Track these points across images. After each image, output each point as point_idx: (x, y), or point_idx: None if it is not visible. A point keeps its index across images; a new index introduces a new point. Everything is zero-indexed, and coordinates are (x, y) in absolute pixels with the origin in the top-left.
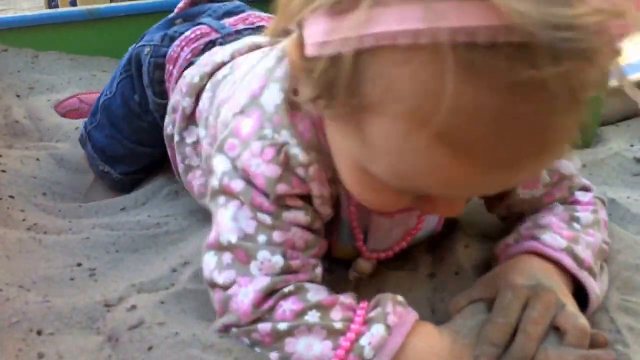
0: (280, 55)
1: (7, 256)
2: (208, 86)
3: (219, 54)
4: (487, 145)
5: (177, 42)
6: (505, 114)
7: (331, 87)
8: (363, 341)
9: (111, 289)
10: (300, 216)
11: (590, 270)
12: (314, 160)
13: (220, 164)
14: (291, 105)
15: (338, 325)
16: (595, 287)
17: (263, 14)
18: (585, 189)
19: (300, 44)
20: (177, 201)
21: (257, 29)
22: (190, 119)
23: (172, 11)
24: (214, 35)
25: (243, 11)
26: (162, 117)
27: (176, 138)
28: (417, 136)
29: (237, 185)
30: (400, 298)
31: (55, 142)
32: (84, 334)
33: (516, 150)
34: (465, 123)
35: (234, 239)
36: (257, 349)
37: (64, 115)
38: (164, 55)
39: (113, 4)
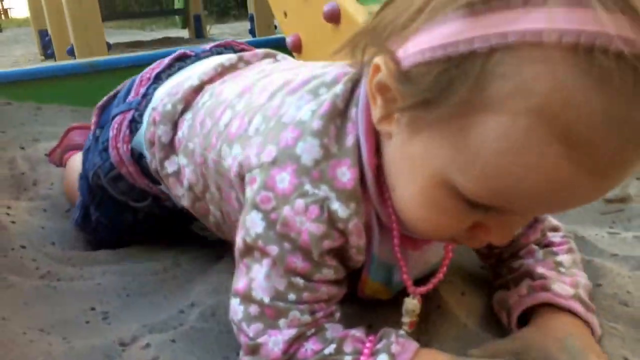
0: (315, 109)
1: (26, 303)
2: (187, 115)
3: (185, 79)
4: (602, 149)
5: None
6: (627, 122)
7: (447, 89)
8: None
9: (124, 330)
10: (330, 274)
11: (593, 312)
12: (353, 214)
13: (253, 223)
14: (332, 158)
15: (349, 357)
16: (597, 326)
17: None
18: (555, 229)
19: (392, 61)
20: (183, 247)
21: (227, 47)
22: (169, 148)
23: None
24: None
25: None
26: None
27: (160, 170)
28: (538, 133)
29: (272, 250)
30: (401, 332)
31: (60, 193)
32: None
33: (624, 157)
34: (588, 125)
35: (266, 299)
36: None
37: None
38: (112, 169)
39: (114, 56)
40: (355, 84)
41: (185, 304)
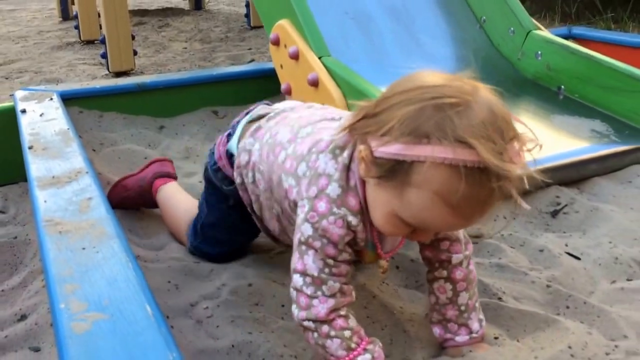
0: (335, 166)
1: None
2: (256, 146)
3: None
4: (466, 210)
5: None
6: (478, 199)
7: (393, 172)
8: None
9: (189, 297)
10: (347, 257)
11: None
12: (359, 222)
13: (305, 229)
14: (346, 192)
15: (353, 345)
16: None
17: None
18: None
19: (370, 150)
20: None
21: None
22: (250, 166)
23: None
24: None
25: None
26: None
27: (239, 181)
28: (436, 201)
29: (317, 244)
30: (380, 344)
31: None
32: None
33: (477, 213)
34: (459, 200)
35: (315, 273)
36: (311, 335)
37: (118, 205)
38: (215, 163)
39: (155, 79)
40: (353, 149)
41: (219, 284)
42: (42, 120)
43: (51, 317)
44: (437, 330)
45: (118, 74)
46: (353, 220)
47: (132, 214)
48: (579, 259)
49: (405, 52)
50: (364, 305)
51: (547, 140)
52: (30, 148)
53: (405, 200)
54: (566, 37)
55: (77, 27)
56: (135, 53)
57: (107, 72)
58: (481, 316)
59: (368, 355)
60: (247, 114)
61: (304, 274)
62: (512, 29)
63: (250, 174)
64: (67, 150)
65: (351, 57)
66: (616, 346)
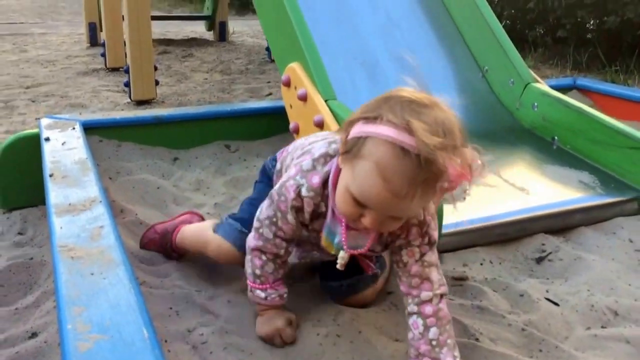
0: (322, 151)
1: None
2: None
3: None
4: (397, 186)
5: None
6: (410, 180)
7: (352, 148)
8: (256, 292)
9: (188, 323)
10: (292, 220)
11: None
12: (310, 197)
13: (276, 185)
14: (314, 171)
15: (258, 281)
16: None
17: None
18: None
19: (346, 135)
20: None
21: None
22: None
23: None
24: None
25: None
26: None
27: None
28: (375, 174)
29: (275, 197)
30: (284, 294)
31: (139, 221)
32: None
33: (407, 193)
34: (393, 174)
35: (263, 217)
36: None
37: (145, 245)
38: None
39: (172, 112)
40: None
41: (216, 312)
42: (64, 148)
43: (59, 336)
44: None
45: (139, 103)
46: (305, 192)
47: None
48: (557, 304)
49: None
50: (350, 340)
51: (538, 189)
52: (51, 176)
53: (355, 172)
54: (571, 88)
55: (103, 55)
56: (157, 83)
57: (129, 100)
58: (456, 353)
59: (262, 294)
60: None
61: (260, 214)
62: (512, 80)
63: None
64: (84, 179)
65: (357, 100)
66: None
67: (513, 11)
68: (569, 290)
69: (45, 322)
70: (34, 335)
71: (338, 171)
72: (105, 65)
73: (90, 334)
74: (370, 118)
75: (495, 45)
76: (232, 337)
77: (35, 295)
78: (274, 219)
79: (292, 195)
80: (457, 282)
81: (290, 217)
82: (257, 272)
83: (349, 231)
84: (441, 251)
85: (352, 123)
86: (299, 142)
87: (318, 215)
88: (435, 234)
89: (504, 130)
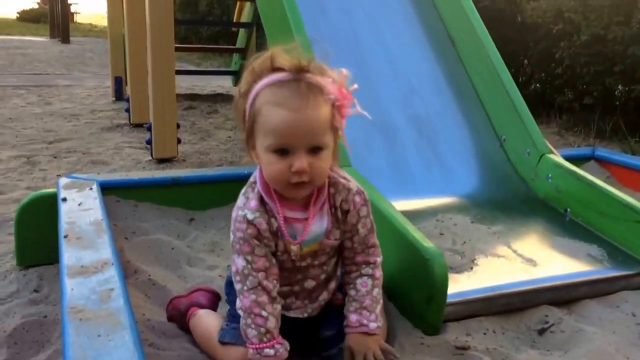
0: (245, 188)
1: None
2: None
3: None
4: (292, 103)
5: None
6: (297, 94)
7: (249, 120)
8: (263, 351)
9: None
10: (262, 252)
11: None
12: (257, 217)
13: (231, 237)
14: (248, 200)
15: (264, 339)
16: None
17: None
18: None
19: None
20: None
21: None
22: None
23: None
24: None
25: None
26: None
27: None
28: (273, 108)
29: (236, 245)
30: (287, 346)
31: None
32: None
33: (301, 105)
34: (285, 99)
35: (240, 269)
36: (241, 321)
37: (170, 317)
38: None
39: (189, 174)
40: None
41: None
42: (80, 209)
43: None
44: (353, 317)
45: (161, 161)
46: (250, 215)
47: (158, 307)
48: None
49: (425, 164)
50: None
51: (546, 260)
52: (65, 237)
53: (260, 129)
54: (589, 158)
55: (127, 110)
56: (179, 141)
57: (150, 158)
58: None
59: (272, 351)
60: None
61: (235, 273)
62: (528, 150)
63: None
64: (98, 240)
65: (374, 166)
66: None
67: (543, 75)
68: None
69: None
70: None
71: (263, 180)
72: (129, 121)
73: None
74: (246, 91)
75: (513, 114)
76: None
77: (47, 354)
78: (248, 265)
79: (243, 226)
80: (459, 351)
81: (257, 250)
82: (263, 330)
83: (291, 224)
84: (445, 320)
85: (241, 118)
86: None
87: (276, 233)
88: (366, 193)
89: (519, 200)
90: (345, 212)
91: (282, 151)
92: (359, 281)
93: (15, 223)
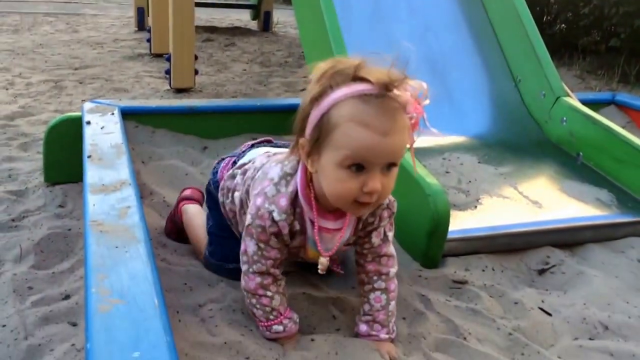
0: (280, 173)
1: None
2: (238, 174)
3: (244, 161)
4: (377, 126)
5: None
6: (384, 114)
7: (320, 131)
8: (272, 327)
9: (199, 298)
10: (276, 245)
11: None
12: (284, 219)
13: (247, 218)
14: (279, 194)
15: (271, 317)
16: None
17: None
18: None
19: (304, 138)
20: None
21: (257, 145)
22: (231, 190)
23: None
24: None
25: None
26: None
27: (221, 200)
28: (356, 127)
29: (253, 230)
30: (296, 318)
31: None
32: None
33: (388, 127)
34: (368, 119)
35: (251, 253)
36: (247, 301)
37: (169, 236)
38: (217, 181)
39: (206, 103)
40: (297, 162)
41: (225, 291)
42: (102, 132)
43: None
44: (363, 328)
45: (178, 91)
46: (277, 215)
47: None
48: (550, 314)
49: (436, 103)
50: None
51: (552, 203)
52: (89, 157)
53: (335, 144)
54: (609, 103)
55: (149, 40)
56: (196, 72)
57: (169, 87)
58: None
59: (281, 327)
60: (251, 146)
61: (244, 253)
62: (543, 92)
63: (230, 196)
64: (117, 162)
65: None
66: None
67: (569, 15)
68: (565, 302)
69: (77, 286)
70: (67, 297)
71: (305, 183)
72: (150, 51)
73: (110, 298)
74: (318, 97)
75: (531, 55)
76: (237, 315)
77: (70, 262)
78: (259, 252)
79: (268, 223)
80: (456, 285)
81: (273, 242)
82: (268, 309)
83: (321, 234)
84: (444, 255)
85: (302, 121)
86: (247, 165)
87: (294, 234)
88: (395, 205)
89: (531, 143)
90: (369, 223)
91: (357, 166)
92: (372, 296)
93: (43, 143)
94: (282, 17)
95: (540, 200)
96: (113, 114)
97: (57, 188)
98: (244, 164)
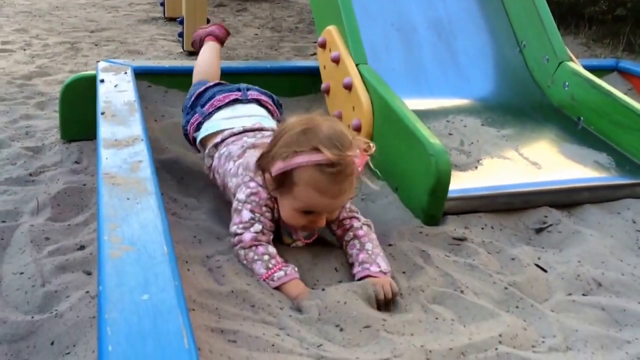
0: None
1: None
2: (220, 150)
3: (227, 126)
4: (330, 193)
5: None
6: (336, 183)
7: (283, 182)
8: (274, 276)
9: (207, 250)
10: (269, 216)
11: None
12: (272, 207)
13: (242, 195)
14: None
15: (271, 265)
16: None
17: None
18: (357, 219)
19: (270, 175)
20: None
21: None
22: (209, 157)
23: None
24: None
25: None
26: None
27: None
28: (310, 190)
29: (248, 205)
30: (294, 267)
31: (178, 158)
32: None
33: (338, 193)
34: (323, 187)
35: (246, 219)
36: (242, 259)
37: (192, 42)
38: (186, 133)
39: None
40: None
41: (225, 248)
42: (116, 90)
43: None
44: (357, 270)
45: (191, 53)
46: (269, 202)
47: (178, 183)
48: (545, 271)
49: (441, 67)
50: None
51: (551, 165)
52: (102, 114)
53: (296, 196)
54: (612, 69)
55: (162, 4)
56: None
57: (182, 50)
58: (388, 264)
59: (282, 272)
60: (219, 107)
61: (238, 223)
62: (547, 57)
63: (211, 175)
64: (130, 119)
65: (388, 65)
66: (543, 342)
67: None
68: (560, 259)
69: (91, 237)
70: (82, 247)
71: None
72: (164, 15)
73: (122, 245)
74: (284, 156)
75: (536, 20)
76: (242, 266)
77: (85, 216)
78: (254, 218)
79: (263, 195)
80: (455, 242)
81: (266, 214)
82: (266, 257)
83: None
84: (445, 213)
85: (268, 163)
86: (223, 151)
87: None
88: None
89: (533, 107)
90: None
91: (308, 212)
92: (348, 247)
93: (59, 101)
94: None
95: (540, 162)
96: (126, 73)
97: (73, 145)
98: (218, 144)
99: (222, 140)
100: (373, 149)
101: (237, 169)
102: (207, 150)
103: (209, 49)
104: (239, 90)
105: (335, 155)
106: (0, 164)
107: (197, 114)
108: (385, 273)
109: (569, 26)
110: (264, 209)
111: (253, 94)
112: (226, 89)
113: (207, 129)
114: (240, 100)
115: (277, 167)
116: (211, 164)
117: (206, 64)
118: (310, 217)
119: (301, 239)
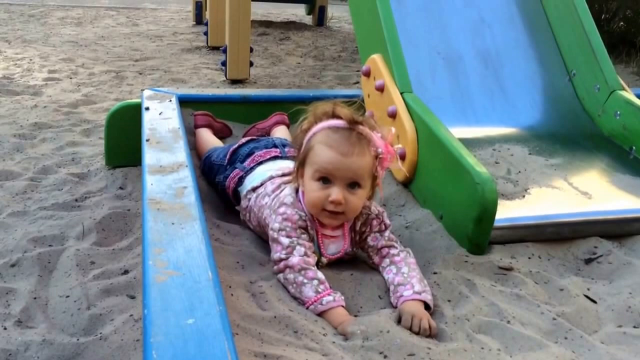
0: (292, 194)
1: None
2: (253, 194)
3: (261, 177)
4: (341, 148)
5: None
6: (347, 141)
7: (304, 152)
8: (323, 300)
9: (251, 276)
10: (306, 238)
11: (427, 292)
12: (306, 218)
13: (274, 223)
14: (296, 202)
15: (320, 289)
16: (430, 301)
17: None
18: (393, 246)
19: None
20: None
21: (267, 160)
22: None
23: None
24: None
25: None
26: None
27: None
28: (324, 148)
29: (283, 232)
30: (340, 294)
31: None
32: None
33: (349, 150)
34: (334, 142)
35: (287, 244)
36: (290, 288)
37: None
38: (224, 187)
39: (258, 93)
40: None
41: (268, 273)
42: (160, 118)
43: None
44: (394, 300)
45: (233, 82)
46: (302, 215)
47: (222, 210)
48: (595, 302)
49: (488, 95)
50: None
51: (602, 194)
52: (147, 140)
53: (310, 162)
54: None
55: (206, 34)
56: (251, 64)
57: (224, 78)
58: (425, 286)
59: (331, 297)
60: (259, 163)
61: (278, 251)
62: (598, 85)
63: (247, 216)
64: (175, 145)
65: (435, 94)
66: None
67: (628, 12)
68: (610, 291)
69: (135, 262)
70: (126, 272)
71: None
72: (207, 44)
73: (167, 270)
74: (307, 129)
75: (587, 49)
76: (286, 293)
77: (129, 240)
78: (293, 243)
79: (296, 217)
80: (502, 271)
81: (303, 237)
82: (316, 282)
83: (324, 239)
84: (491, 242)
85: (297, 137)
86: (259, 190)
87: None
88: (387, 221)
89: (582, 136)
90: (362, 232)
91: (324, 180)
92: (384, 273)
93: (105, 128)
94: (336, 12)
95: (590, 191)
96: (171, 100)
97: (118, 171)
98: (256, 187)
99: (262, 184)
100: (395, 148)
101: (271, 201)
102: (244, 193)
103: (203, 131)
104: (275, 146)
105: (348, 117)
106: (47, 189)
107: (237, 169)
108: (419, 294)
109: (619, 55)
110: (298, 231)
111: (291, 150)
112: (262, 145)
113: (252, 180)
114: (280, 157)
115: (303, 138)
116: (247, 205)
117: (208, 140)
118: (328, 190)
119: (326, 254)
